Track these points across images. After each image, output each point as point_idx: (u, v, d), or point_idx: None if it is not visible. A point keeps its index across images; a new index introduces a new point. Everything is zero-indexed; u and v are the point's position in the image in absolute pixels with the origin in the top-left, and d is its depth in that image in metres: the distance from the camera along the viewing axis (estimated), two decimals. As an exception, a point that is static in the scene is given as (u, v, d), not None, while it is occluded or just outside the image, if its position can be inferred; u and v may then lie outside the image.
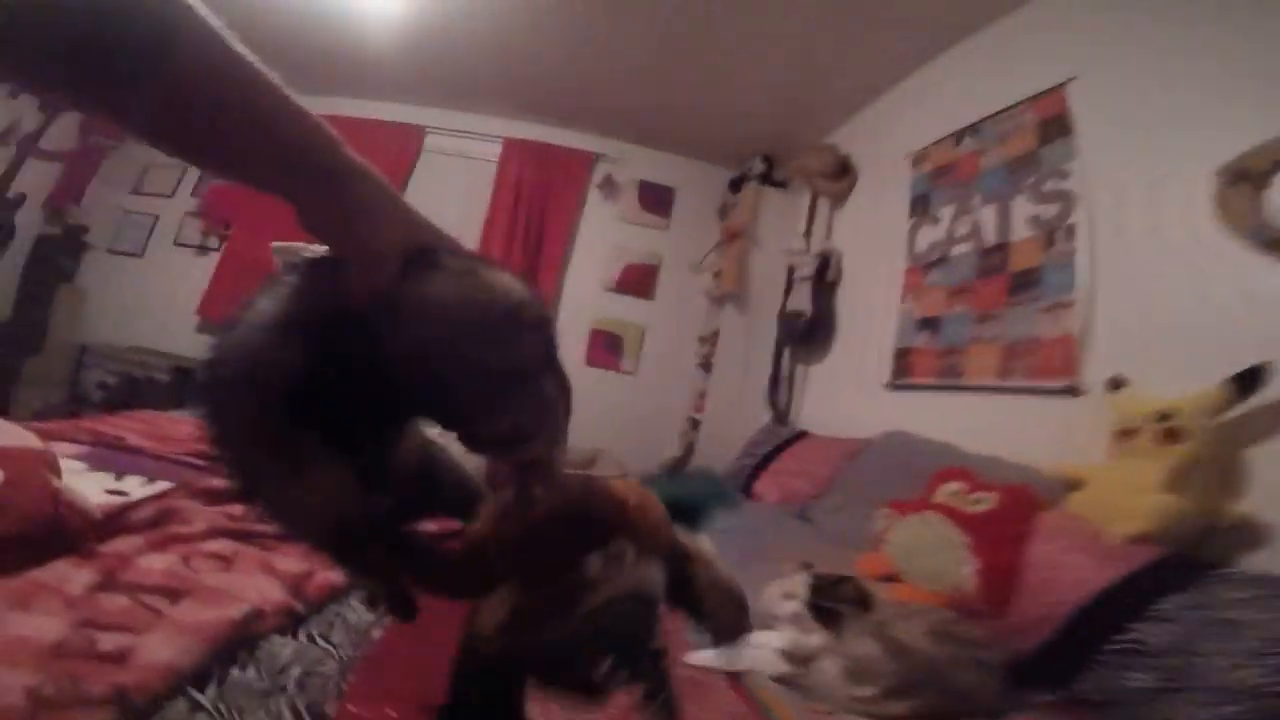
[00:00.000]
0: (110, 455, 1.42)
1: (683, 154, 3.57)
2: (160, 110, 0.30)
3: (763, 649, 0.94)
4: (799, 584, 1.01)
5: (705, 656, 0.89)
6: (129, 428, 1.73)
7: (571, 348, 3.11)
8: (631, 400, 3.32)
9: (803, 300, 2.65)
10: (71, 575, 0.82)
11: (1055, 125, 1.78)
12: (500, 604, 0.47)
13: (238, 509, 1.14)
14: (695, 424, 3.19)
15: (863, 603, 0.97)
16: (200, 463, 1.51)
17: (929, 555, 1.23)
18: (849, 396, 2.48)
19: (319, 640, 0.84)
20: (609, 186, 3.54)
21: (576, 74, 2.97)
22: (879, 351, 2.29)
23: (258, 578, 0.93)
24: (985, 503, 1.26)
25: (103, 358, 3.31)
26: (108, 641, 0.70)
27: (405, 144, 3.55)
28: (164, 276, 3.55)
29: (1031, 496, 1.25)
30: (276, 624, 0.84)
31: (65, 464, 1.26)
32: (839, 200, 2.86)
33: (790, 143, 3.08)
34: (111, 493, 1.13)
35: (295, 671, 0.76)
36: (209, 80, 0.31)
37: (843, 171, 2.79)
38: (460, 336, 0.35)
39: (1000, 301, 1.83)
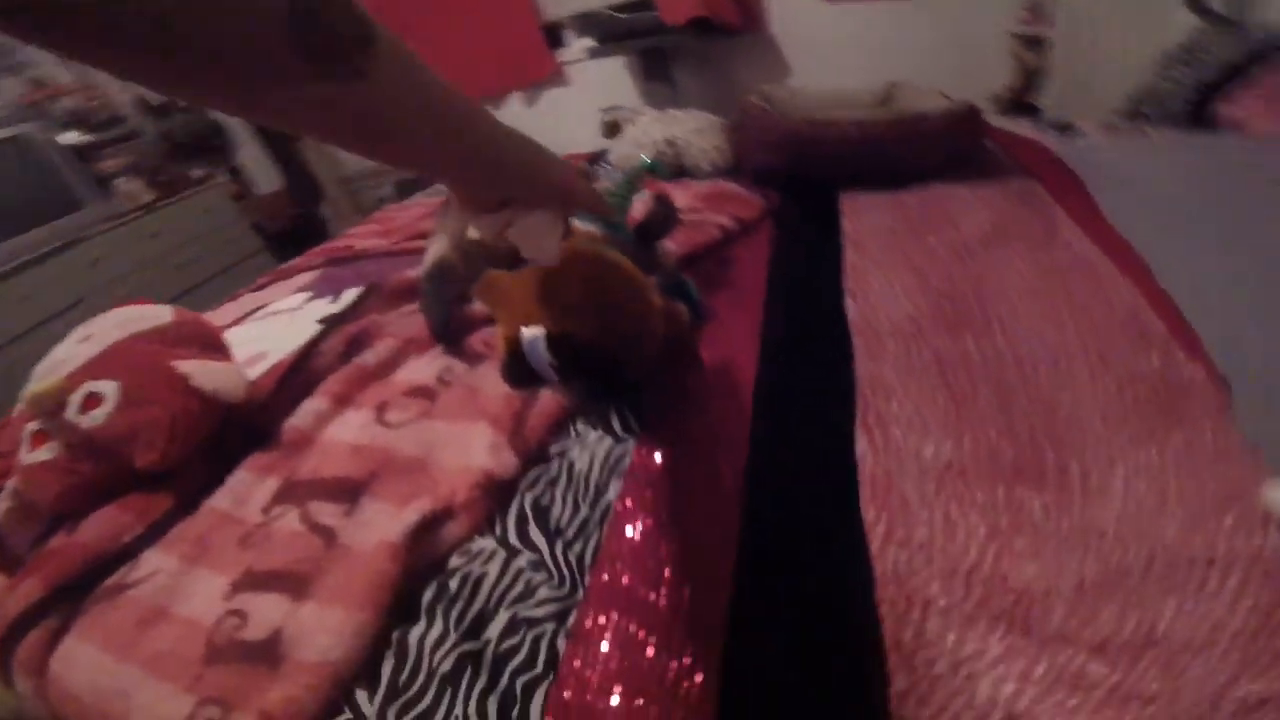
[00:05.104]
0: (336, 273, 1.27)
1: None
2: (364, 107, 0.28)
3: None
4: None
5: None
6: (362, 233, 1.64)
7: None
8: (913, 32, 2.18)
9: None
10: (250, 489, 0.61)
11: None
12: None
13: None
14: (1035, 43, 2.04)
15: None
16: (414, 244, 1.31)
17: None
18: None
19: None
20: None
21: None
22: None
23: (463, 427, 0.65)
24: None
25: (359, 179, 3.50)
26: (260, 623, 0.47)
27: None
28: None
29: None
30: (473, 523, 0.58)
31: (293, 299, 1.14)
32: None
33: None
34: (324, 321, 0.93)
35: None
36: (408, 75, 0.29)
37: None
38: None
39: None
